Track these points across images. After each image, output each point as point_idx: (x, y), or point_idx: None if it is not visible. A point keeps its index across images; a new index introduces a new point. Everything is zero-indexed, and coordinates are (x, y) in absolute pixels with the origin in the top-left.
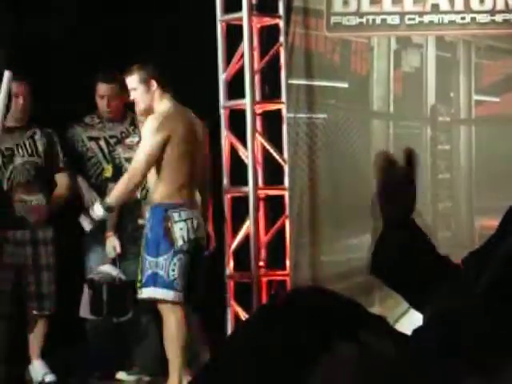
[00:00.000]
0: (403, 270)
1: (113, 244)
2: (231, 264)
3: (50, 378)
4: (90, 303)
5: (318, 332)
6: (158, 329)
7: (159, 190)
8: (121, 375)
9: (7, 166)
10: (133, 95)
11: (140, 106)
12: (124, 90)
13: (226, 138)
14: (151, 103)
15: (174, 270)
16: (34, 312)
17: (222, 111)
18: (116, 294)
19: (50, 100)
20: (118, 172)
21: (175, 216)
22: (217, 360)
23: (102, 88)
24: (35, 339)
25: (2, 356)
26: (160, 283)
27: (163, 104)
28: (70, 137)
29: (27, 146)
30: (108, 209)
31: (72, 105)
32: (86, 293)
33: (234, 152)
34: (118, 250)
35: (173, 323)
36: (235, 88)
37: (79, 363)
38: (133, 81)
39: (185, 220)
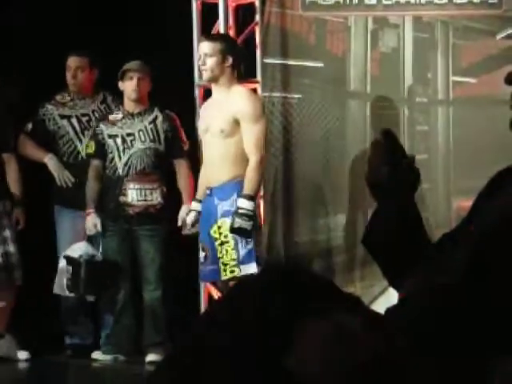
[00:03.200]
0: (390, 243)
1: (94, 221)
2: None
3: (22, 354)
4: (67, 280)
5: (290, 309)
6: (134, 308)
7: (240, 167)
8: (96, 355)
9: None
10: (205, 61)
11: (207, 74)
12: (94, 66)
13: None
14: (220, 75)
15: (258, 246)
16: (3, 284)
17: (196, 89)
18: (94, 273)
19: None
20: (101, 148)
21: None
22: (190, 336)
23: (69, 60)
24: (3, 313)
25: None
26: (256, 259)
27: (240, 86)
28: (41, 115)
29: None
30: (252, 198)
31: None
32: (62, 269)
33: None
34: (99, 228)
35: None
36: None
37: (52, 341)
38: (213, 47)
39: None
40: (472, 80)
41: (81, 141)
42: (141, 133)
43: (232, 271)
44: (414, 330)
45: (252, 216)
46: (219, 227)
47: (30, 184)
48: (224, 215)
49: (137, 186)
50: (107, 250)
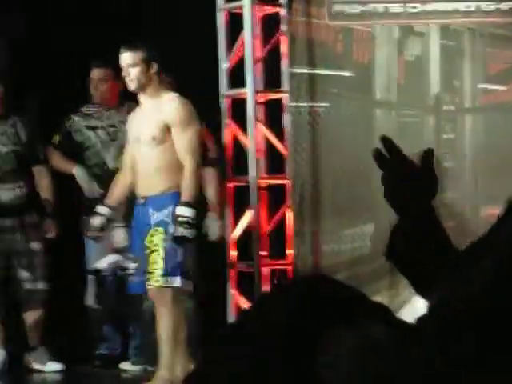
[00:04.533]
0: (413, 257)
1: (122, 235)
2: (233, 253)
3: (55, 366)
4: (96, 292)
5: (319, 319)
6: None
7: (175, 176)
8: (125, 365)
9: None
10: (129, 71)
11: (134, 84)
12: (117, 78)
13: (228, 127)
14: (146, 84)
15: (188, 258)
16: (30, 297)
17: (223, 100)
18: (122, 284)
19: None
20: None
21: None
22: (218, 348)
23: (93, 72)
24: (34, 326)
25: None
26: (183, 272)
27: (169, 92)
28: (67, 126)
29: (10, 134)
30: (191, 206)
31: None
32: (92, 281)
33: (235, 141)
34: (127, 240)
35: (176, 314)
36: (237, 77)
37: (82, 352)
38: (134, 56)
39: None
40: (499, 87)
41: (108, 152)
42: None
43: (157, 280)
44: (443, 340)
45: (193, 223)
46: (152, 235)
47: (59, 196)
48: (158, 225)
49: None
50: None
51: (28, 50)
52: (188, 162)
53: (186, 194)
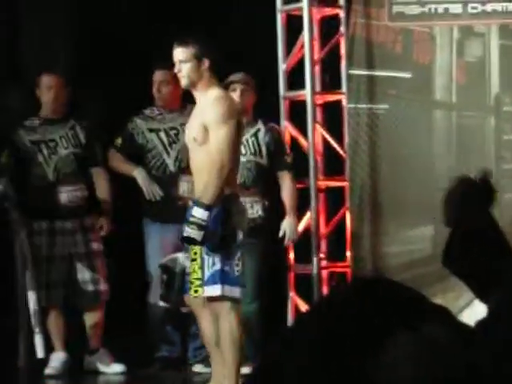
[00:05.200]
0: (471, 262)
1: None
2: (291, 256)
3: (117, 367)
4: (161, 290)
5: (379, 321)
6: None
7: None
8: (197, 368)
9: (52, 157)
10: (180, 68)
11: (185, 81)
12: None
13: (286, 129)
14: (197, 81)
15: (238, 265)
16: (90, 299)
17: (281, 102)
18: (183, 284)
19: (111, 94)
20: None
21: (235, 207)
22: (278, 351)
23: (156, 74)
24: (94, 328)
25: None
26: (227, 280)
27: (216, 89)
28: (130, 129)
29: (69, 137)
30: (206, 207)
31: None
32: (157, 279)
33: (294, 143)
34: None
35: (228, 325)
36: (295, 79)
37: (143, 355)
38: (185, 52)
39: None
40: None
41: (169, 154)
42: (242, 146)
43: (196, 291)
44: (503, 343)
45: (203, 226)
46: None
47: (119, 197)
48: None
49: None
50: None
51: (89, 52)
52: (215, 163)
53: (204, 195)
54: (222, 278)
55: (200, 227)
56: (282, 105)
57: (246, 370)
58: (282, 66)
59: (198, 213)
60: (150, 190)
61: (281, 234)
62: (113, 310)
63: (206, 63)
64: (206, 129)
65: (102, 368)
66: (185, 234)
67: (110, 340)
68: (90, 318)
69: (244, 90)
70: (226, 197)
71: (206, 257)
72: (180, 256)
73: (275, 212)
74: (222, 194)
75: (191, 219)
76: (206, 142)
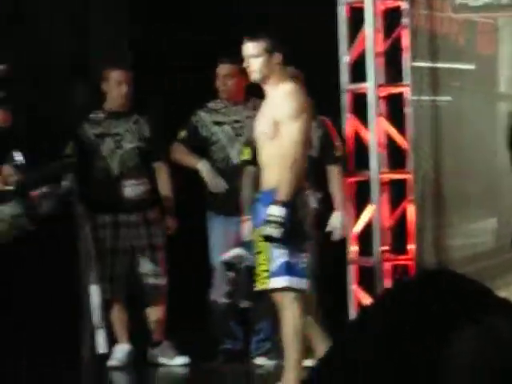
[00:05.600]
0: None
1: (250, 228)
2: (354, 248)
3: (181, 360)
4: (225, 287)
5: (443, 314)
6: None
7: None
8: (260, 360)
9: (116, 151)
10: (251, 62)
11: (256, 75)
12: (243, 73)
13: (348, 121)
14: (268, 76)
15: (304, 258)
16: (152, 292)
17: (344, 95)
18: (249, 279)
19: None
20: (255, 155)
21: (303, 201)
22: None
23: (220, 67)
24: (157, 321)
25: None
26: (293, 272)
27: (288, 83)
28: (194, 122)
29: (134, 131)
30: (283, 204)
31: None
32: (220, 276)
33: (356, 136)
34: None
35: (290, 316)
36: (358, 71)
37: (207, 346)
38: (257, 47)
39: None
40: None
41: (233, 147)
42: None
43: (263, 282)
44: None
45: (282, 223)
46: (258, 234)
47: (182, 191)
48: (262, 224)
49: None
50: None
51: (153, 46)
52: (289, 158)
53: (280, 193)
54: (289, 269)
55: (279, 225)
56: (344, 98)
57: (309, 362)
58: (344, 59)
59: (276, 211)
60: (214, 182)
61: (328, 228)
62: (176, 303)
63: (277, 57)
64: (278, 123)
65: (165, 360)
66: (265, 233)
67: (173, 333)
68: (153, 311)
69: None
70: (295, 191)
71: (273, 249)
72: (242, 251)
73: (329, 205)
74: (295, 188)
75: (269, 218)
76: (277, 137)
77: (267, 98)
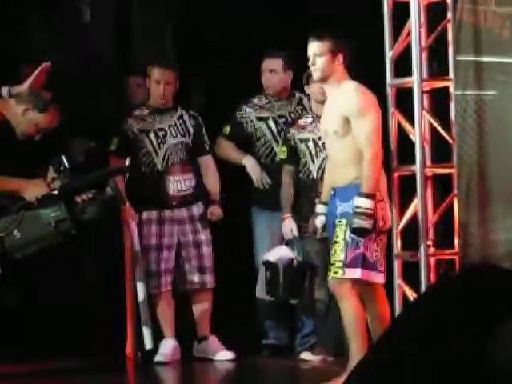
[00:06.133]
0: None
1: (290, 226)
2: (399, 243)
3: (226, 355)
4: (267, 284)
5: (489, 308)
6: (337, 308)
7: (359, 169)
8: (305, 355)
9: (161, 146)
10: (315, 61)
11: (318, 74)
12: (288, 68)
13: (393, 116)
14: (330, 75)
15: (376, 251)
16: (198, 287)
17: (388, 89)
18: (293, 276)
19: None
20: (293, 153)
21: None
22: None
23: (265, 62)
24: (202, 316)
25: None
26: (367, 264)
27: (351, 81)
28: (238, 117)
29: (178, 126)
30: (370, 197)
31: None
32: (263, 274)
33: (401, 130)
34: (295, 232)
35: (350, 307)
36: (402, 66)
37: (252, 341)
38: (321, 46)
39: (382, 199)
40: None
41: (278, 142)
42: None
43: (336, 272)
44: None
45: (371, 214)
46: (335, 227)
47: (227, 186)
48: (342, 216)
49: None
50: (305, 252)
51: (198, 41)
52: (366, 152)
53: (365, 185)
54: (363, 261)
55: (368, 216)
56: (388, 92)
57: None
58: (389, 54)
59: (364, 203)
60: (259, 178)
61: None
62: (221, 297)
63: (340, 58)
64: (348, 120)
65: (210, 355)
66: (355, 226)
67: (218, 327)
68: (198, 306)
69: None
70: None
71: (349, 240)
72: (285, 250)
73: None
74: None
75: (358, 210)
76: (348, 134)
77: (329, 97)
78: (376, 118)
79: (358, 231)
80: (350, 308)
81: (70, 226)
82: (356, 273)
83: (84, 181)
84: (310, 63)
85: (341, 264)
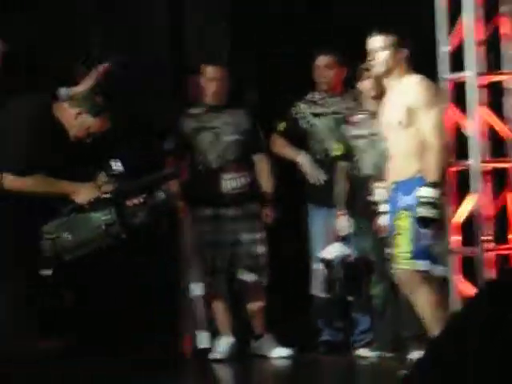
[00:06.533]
0: None
1: (344, 223)
2: (456, 238)
3: (283, 352)
4: (324, 282)
5: None
6: (396, 304)
7: (423, 161)
8: (362, 352)
9: (215, 144)
10: (376, 55)
11: (380, 68)
12: (342, 64)
13: (449, 111)
14: (392, 69)
15: (441, 245)
16: (252, 285)
17: (444, 84)
18: (349, 273)
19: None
20: (347, 149)
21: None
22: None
23: (319, 59)
24: (257, 313)
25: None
26: (432, 257)
27: (414, 75)
28: (293, 114)
29: (233, 124)
30: (435, 185)
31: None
32: (318, 271)
33: (457, 125)
34: (350, 228)
35: (424, 299)
36: (457, 60)
37: (308, 338)
38: (384, 41)
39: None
40: None
41: (332, 139)
42: None
43: (402, 264)
44: None
45: (436, 204)
46: (398, 219)
47: (282, 183)
48: (405, 208)
49: (384, 185)
50: (361, 248)
51: (251, 39)
52: (432, 143)
53: (430, 175)
54: (429, 254)
55: (433, 205)
56: (444, 87)
57: (413, 354)
58: (444, 48)
59: (429, 192)
60: (314, 174)
61: None
62: (277, 295)
63: (403, 53)
64: (413, 111)
65: (267, 352)
66: (420, 215)
67: (274, 324)
68: (253, 305)
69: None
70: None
71: (417, 231)
72: (342, 247)
73: None
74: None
75: (422, 200)
76: (412, 125)
77: (391, 90)
78: (442, 110)
79: (422, 221)
80: (424, 298)
81: (119, 230)
82: (424, 265)
83: (135, 185)
84: (369, 58)
85: (408, 255)
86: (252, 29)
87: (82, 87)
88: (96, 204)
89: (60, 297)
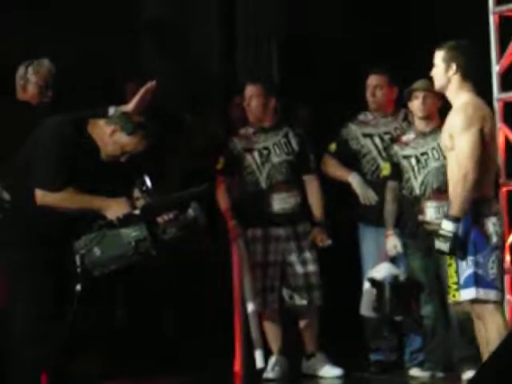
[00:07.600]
0: None
1: (394, 243)
2: (508, 258)
3: (335, 371)
4: (373, 302)
5: None
6: (446, 324)
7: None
8: (415, 372)
9: (265, 165)
10: (433, 71)
11: (435, 84)
12: (393, 84)
13: (500, 130)
14: (445, 85)
15: (492, 268)
16: (304, 304)
17: (496, 103)
18: (398, 293)
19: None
20: (396, 169)
21: (486, 210)
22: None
23: (370, 78)
24: (309, 332)
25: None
26: (482, 283)
27: (465, 94)
28: (344, 134)
29: (282, 144)
30: (453, 219)
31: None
32: (367, 291)
33: (509, 144)
34: (399, 248)
35: (494, 326)
36: (510, 80)
37: (362, 357)
38: (437, 56)
39: (496, 214)
40: None
41: (383, 159)
42: (434, 151)
43: (454, 295)
44: None
45: (449, 237)
46: None
47: (333, 203)
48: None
49: (434, 204)
50: (411, 269)
51: (301, 59)
52: (459, 171)
53: (452, 207)
54: (476, 281)
55: (447, 239)
56: (496, 106)
57: (467, 374)
58: (496, 68)
59: (446, 225)
60: (366, 194)
61: None
62: (329, 314)
63: (453, 68)
64: (452, 135)
65: (319, 372)
66: (436, 247)
67: (327, 344)
68: (305, 323)
69: (426, 97)
70: (475, 201)
71: (460, 261)
72: (391, 268)
73: None
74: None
75: (440, 232)
76: (453, 149)
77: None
78: (474, 137)
79: (438, 252)
80: (494, 327)
81: (149, 246)
82: (471, 293)
83: (166, 201)
84: (432, 73)
85: (456, 286)
86: (305, 48)
87: (131, 105)
88: (126, 220)
89: (112, 316)
